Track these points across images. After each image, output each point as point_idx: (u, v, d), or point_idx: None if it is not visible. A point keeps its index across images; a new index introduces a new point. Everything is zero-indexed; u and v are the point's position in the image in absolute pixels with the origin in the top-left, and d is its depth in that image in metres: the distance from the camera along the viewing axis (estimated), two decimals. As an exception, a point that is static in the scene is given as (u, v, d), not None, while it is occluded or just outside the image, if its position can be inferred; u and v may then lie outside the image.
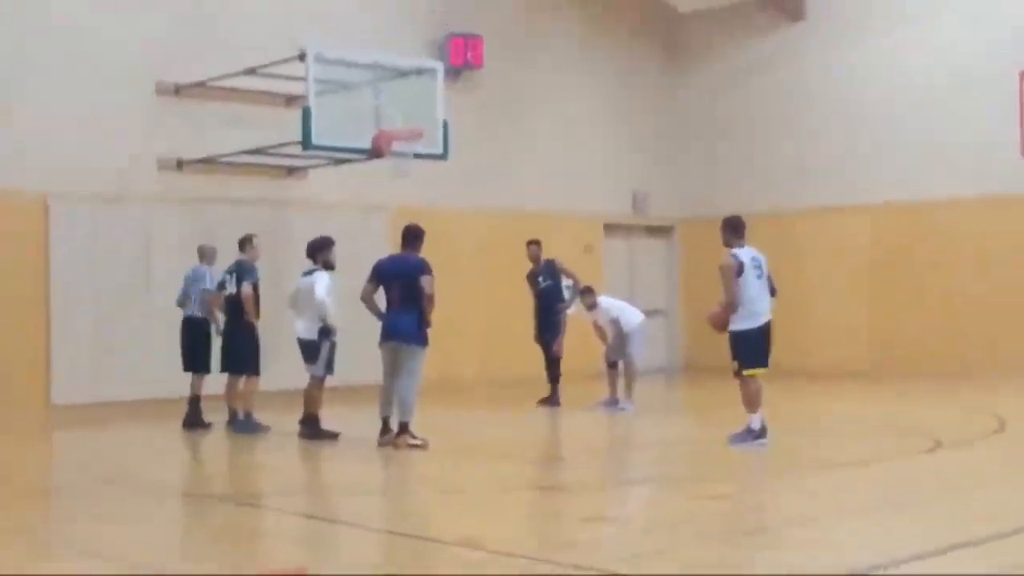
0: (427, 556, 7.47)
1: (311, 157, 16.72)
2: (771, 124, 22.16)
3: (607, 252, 22.18)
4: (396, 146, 15.03)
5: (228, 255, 14.01)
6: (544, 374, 16.21)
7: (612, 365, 15.50)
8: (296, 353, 12.91)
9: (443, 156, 15.75)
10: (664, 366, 22.63)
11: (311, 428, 12.70)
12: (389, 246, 15.17)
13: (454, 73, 19.31)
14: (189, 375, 14.07)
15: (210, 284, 13.92)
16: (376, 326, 12.16)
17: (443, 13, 19.99)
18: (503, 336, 19.41)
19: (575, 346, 16.56)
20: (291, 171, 18.16)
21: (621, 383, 15.39)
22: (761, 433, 11.42)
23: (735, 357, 11.48)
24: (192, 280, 14.12)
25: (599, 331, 15.72)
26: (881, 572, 6.51)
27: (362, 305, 12.19)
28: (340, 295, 12.79)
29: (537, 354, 16.32)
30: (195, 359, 14.06)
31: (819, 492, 9.48)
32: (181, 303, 14.21)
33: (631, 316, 15.49)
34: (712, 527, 8.10)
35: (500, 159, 20.77)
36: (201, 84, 17.01)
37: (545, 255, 16.37)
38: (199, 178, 17.40)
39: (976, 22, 19.81)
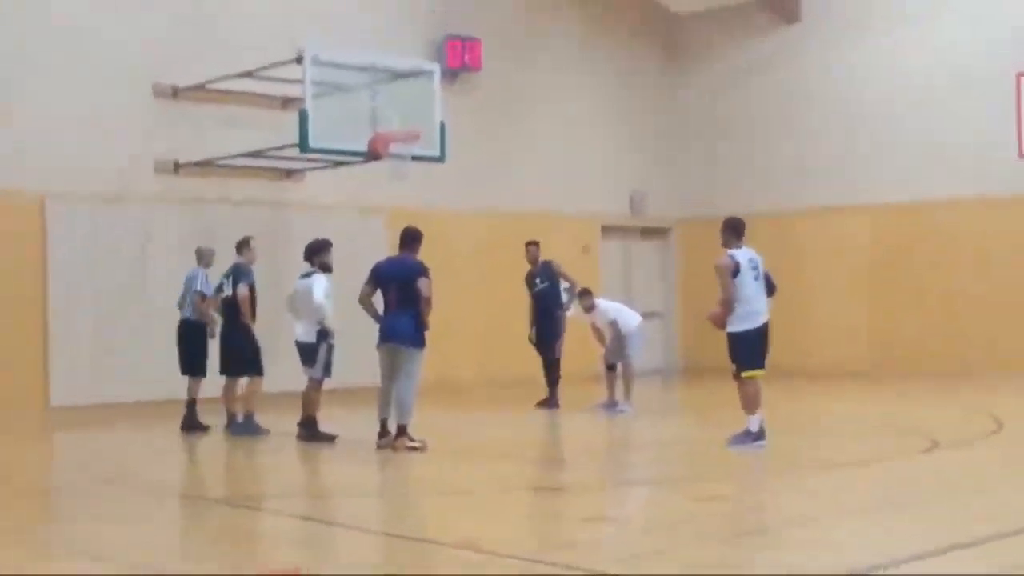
0: (425, 557, 7.45)
1: (309, 159, 16.71)
2: (771, 124, 22.15)
3: (605, 254, 22.16)
4: (393, 148, 15.02)
5: (226, 257, 13.99)
6: (542, 376, 16.18)
7: (610, 367, 15.48)
8: (294, 355, 12.89)
9: (440, 158, 15.74)
10: (662, 367, 22.62)
11: (309, 430, 12.68)
12: (387, 248, 15.16)
13: (451, 75, 19.31)
14: (187, 378, 14.04)
15: (202, 286, 13.88)
16: (374, 328, 12.14)
17: (442, 14, 19.99)
18: (501, 337, 19.40)
19: (573, 348, 16.54)
20: (289, 173, 18.15)
21: (619, 385, 15.37)
22: (760, 435, 11.40)
23: (733, 359, 11.48)
24: (187, 282, 14.11)
25: (597, 333, 15.71)
26: (881, 572, 6.50)
27: (359, 307, 12.17)
28: (338, 297, 12.77)
29: (535, 355, 16.28)
30: (190, 362, 14.03)
31: (819, 492, 9.47)
32: (180, 305, 14.20)
33: (629, 318, 15.48)
34: (712, 527, 8.08)
35: (498, 160, 20.75)
36: (199, 86, 17.00)
37: (543, 256, 16.35)
38: (197, 179, 17.40)
39: (976, 22, 19.81)
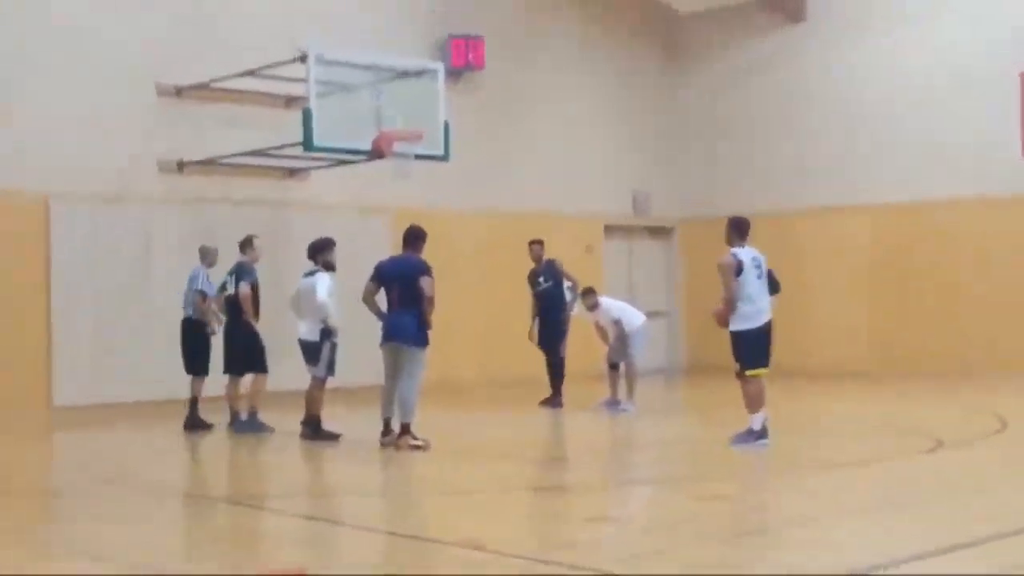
0: (428, 557, 7.48)
1: (312, 158, 16.72)
2: (771, 124, 22.17)
3: (607, 253, 22.18)
4: (397, 147, 15.04)
5: (229, 256, 14.01)
6: (544, 375, 16.20)
7: (613, 366, 15.51)
8: (298, 354, 12.92)
9: (444, 157, 15.76)
10: (665, 367, 22.64)
11: (313, 429, 12.71)
12: (390, 247, 15.20)
13: (455, 74, 19.32)
14: (189, 376, 14.07)
15: (202, 285, 13.92)
16: (377, 327, 12.18)
17: (443, 14, 20.01)
18: (503, 337, 19.41)
19: (577, 347, 16.55)
20: (292, 172, 18.17)
21: (622, 384, 15.39)
22: (762, 433, 11.43)
23: (736, 358, 11.52)
24: (190, 281, 14.14)
25: (600, 332, 15.72)
26: (881, 572, 6.52)
27: (362, 306, 12.21)
28: (341, 296, 12.80)
29: (537, 354, 16.30)
30: (191, 361, 14.06)
31: (819, 492, 9.49)
32: (184, 304, 14.24)
33: (632, 317, 15.50)
34: (713, 527, 8.10)
35: (500, 160, 20.77)
36: (202, 85, 17.01)
37: (547, 256, 16.38)
38: (200, 179, 17.41)
39: (976, 22, 19.82)
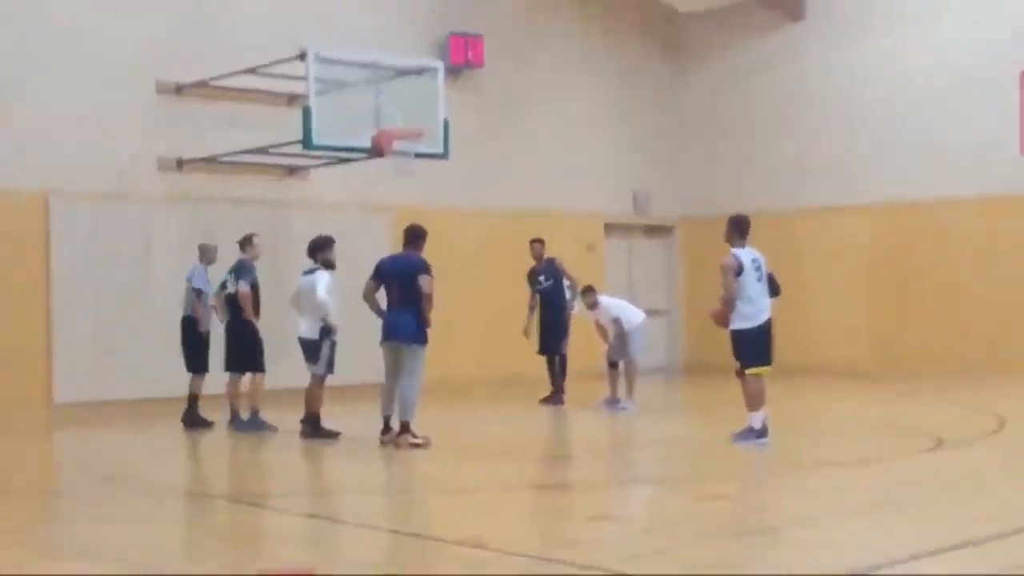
0: (428, 555, 7.48)
1: (312, 157, 16.73)
2: (771, 124, 22.17)
3: (608, 252, 22.19)
4: (397, 145, 15.04)
5: (229, 255, 14.01)
6: (545, 373, 16.21)
7: (613, 365, 15.52)
8: (298, 352, 12.93)
9: (444, 155, 15.76)
10: (665, 365, 22.66)
11: (312, 427, 12.71)
12: (390, 246, 15.22)
13: (455, 72, 19.32)
14: (190, 374, 14.08)
15: (199, 283, 13.93)
16: (377, 325, 12.18)
17: (443, 12, 20.01)
18: (503, 335, 19.36)
19: (577, 346, 16.54)
20: (292, 171, 18.17)
21: (622, 382, 15.40)
22: (762, 432, 11.45)
23: (737, 357, 11.55)
24: (188, 279, 14.15)
25: (600, 330, 15.73)
26: (881, 572, 6.53)
27: (362, 304, 12.22)
28: (341, 294, 12.80)
29: (536, 352, 16.31)
30: (190, 358, 14.07)
31: (819, 492, 9.50)
32: (184, 303, 14.25)
33: (632, 315, 15.51)
34: (713, 527, 8.11)
35: (501, 159, 20.78)
36: (202, 84, 17.01)
37: (547, 254, 16.39)
38: (200, 177, 17.41)
39: (976, 22, 19.82)
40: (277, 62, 15.82)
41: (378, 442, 12.00)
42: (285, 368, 14.28)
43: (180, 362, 14.15)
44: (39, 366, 15.99)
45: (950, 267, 19.90)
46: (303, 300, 12.83)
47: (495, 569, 6.86)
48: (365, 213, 18.57)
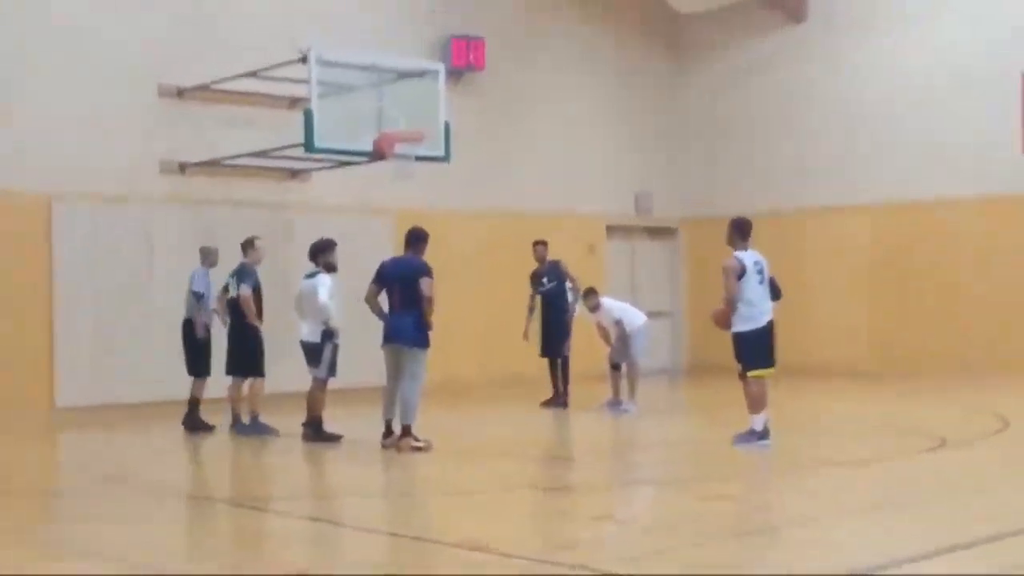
0: (428, 557, 7.50)
1: (314, 159, 16.74)
2: (771, 124, 22.19)
3: (609, 253, 22.19)
4: (398, 148, 15.04)
5: (231, 257, 14.03)
6: (546, 376, 16.22)
7: (615, 366, 15.53)
8: (299, 355, 12.94)
9: (445, 158, 15.75)
10: (668, 367, 22.67)
11: (314, 431, 12.73)
12: (391, 248, 15.22)
13: (456, 75, 19.33)
14: (191, 378, 14.10)
15: (199, 286, 13.94)
16: (378, 328, 12.20)
17: (443, 14, 20.01)
18: (504, 337, 19.37)
19: (579, 348, 16.54)
20: (294, 173, 18.18)
21: (624, 384, 15.41)
22: (764, 434, 11.48)
23: (739, 359, 11.57)
24: (189, 282, 14.17)
25: (602, 332, 15.74)
26: (881, 572, 6.55)
27: (364, 307, 12.23)
28: (342, 297, 12.82)
29: (536, 354, 16.32)
30: (191, 362, 14.08)
31: (819, 492, 9.52)
32: (185, 305, 14.26)
33: (634, 317, 15.52)
34: (714, 527, 8.13)
35: (502, 160, 20.79)
36: (203, 87, 17.02)
37: (550, 256, 16.39)
38: (201, 180, 17.42)
39: (976, 22, 19.83)
40: (279, 65, 15.81)
41: (379, 445, 12.02)
42: (287, 371, 14.29)
43: (181, 365, 14.17)
44: (40, 368, 16.00)
45: (950, 267, 19.92)
46: (304, 304, 12.84)
47: (495, 571, 6.89)
48: (366, 216, 18.58)
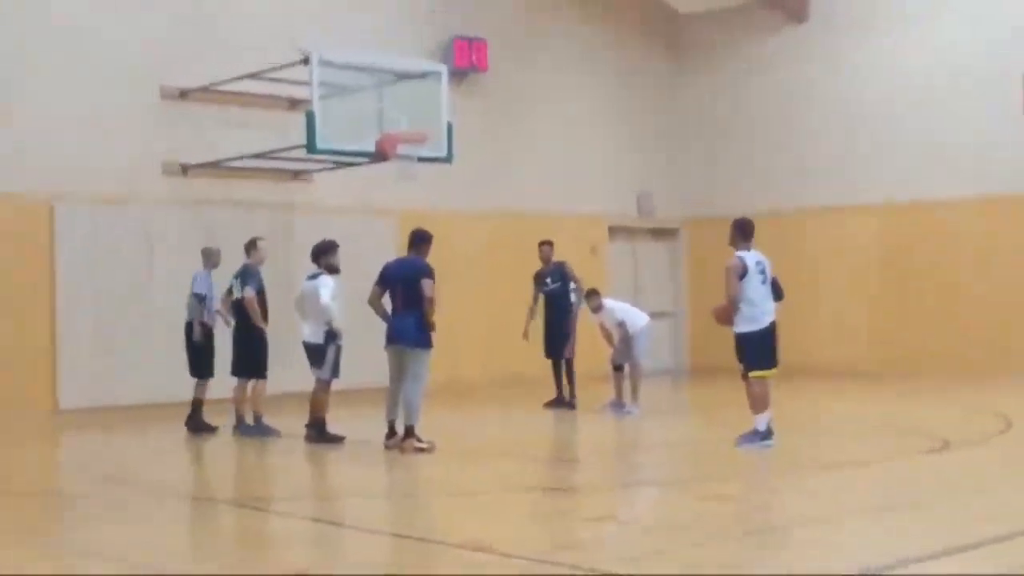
0: (430, 558, 7.53)
1: (316, 161, 16.75)
2: (771, 124, 22.21)
3: (612, 255, 22.20)
4: (401, 149, 15.05)
5: (232, 258, 14.04)
6: (550, 376, 16.23)
7: (618, 368, 15.53)
8: (302, 357, 12.96)
9: (447, 159, 15.75)
10: (670, 368, 22.67)
11: (317, 432, 12.75)
12: (394, 249, 15.23)
13: (458, 76, 19.33)
14: (194, 379, 14.12)
15: (200, 288, 13.95)
16: (381, 329, 12.22)
17: (443, 14, 20.02)
18: (507, 337, 19.38)
19: (581, 349, 16.54)
20: (296, 174, 18.19)
21: (627, 386, 15.42)
22: (767, 434, 11.50)
23: (740, 359, 11.60)
24: (191, 284, 14.19)
25: (605, 333, 15.74)
26: (882, 572, 6.57)
27: (366, 308, 12.26)
28: (345, 298, 12.84)
29: (539, 353, 16.34)
30: (192, 364, 14.09)
31: (820, 492, 9.55)
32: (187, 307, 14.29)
33: (636, 318, 15.53)
34: (715, 528, 8.15)
35: (504, 161, 20.80)
36: (204, 88, 17.03)
37: (556, 258, 16.40)
38: (203, 181, 17.42)
39: (976, 22, 19.84)
40: (281, 66, 15.81)
41: (382, 446, 12.04)
42: (290, 372, 14.28)
43: (183, 367, 14.16)
44: (42, 369, 16.00)
45: (950, 267, 19.93)
46: (307, 305, 12.86)
47: (497, 571, 6.91)
48: (369, 217, 18.59)
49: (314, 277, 12.84)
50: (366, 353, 13.88)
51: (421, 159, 15.37)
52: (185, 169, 17.20)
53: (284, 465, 12.07)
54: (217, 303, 13.99)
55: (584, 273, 16.77)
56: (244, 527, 8.83)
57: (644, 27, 23.10)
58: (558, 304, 16.09)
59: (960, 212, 19.77)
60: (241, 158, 17.00)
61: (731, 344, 11.68)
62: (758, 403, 11.52)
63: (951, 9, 20.21)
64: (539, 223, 19.59)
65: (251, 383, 13.67)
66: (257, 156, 16.95)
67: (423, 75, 15.81)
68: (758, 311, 11.46)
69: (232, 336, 13.82)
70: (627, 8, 22.83)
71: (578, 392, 16.03)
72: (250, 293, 13.49)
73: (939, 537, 7.50)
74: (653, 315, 16.58)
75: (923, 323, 20.14)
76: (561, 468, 11.95)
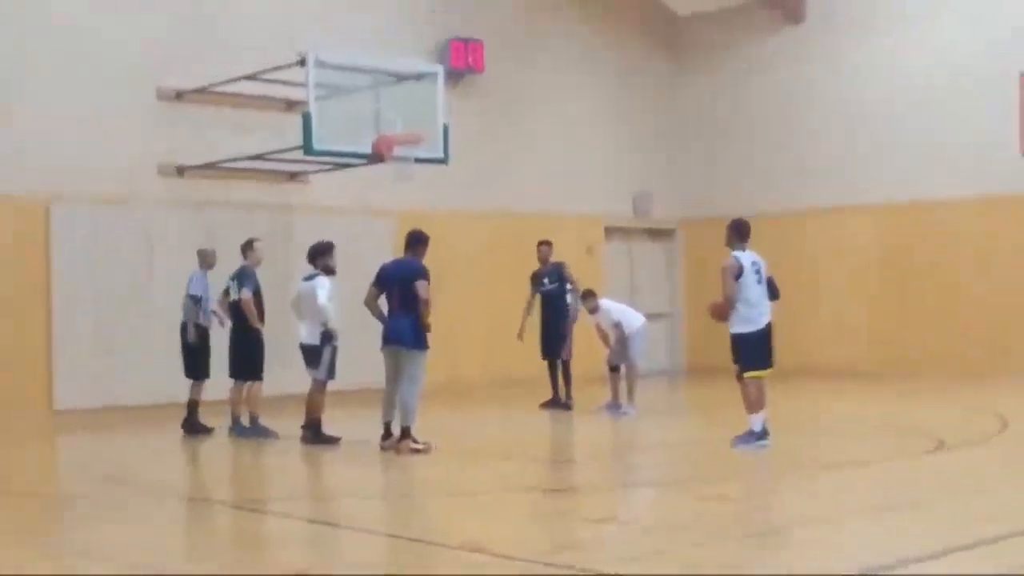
0: (427, 558, 7.50)
1: (312, 162, 16.73)
2: (771, 124, 22.19)
3: (608, 255, 22.18)
4: (397, 150, 15.03)
5: (230, 259, 14.01)
6: (546, 377, 16.20)
7: (614, 369, 15.51)
8: (299, 358, 12.93)
9: (443, 160, 15.73)
10: (667, 368, 22.66)
11: (313, 433, 12.71)
12: (392, 250, 15.21)
13: (455, 77, 19.32)
14: (190, 380, 14.09)
15: (196, 289, 13.92)
16: (377, 330, 12.20)
17: (443, 15, 20.01)
18: (505, 337, 19.35)
19: (578, 350, 16.51)
20: (293, 176, 18.18)
21: (623, 386, 15.40)
22: (763, 434, 11.48)
23: (736, 360, 11.57)
24: (187, 286, 14.16)
25: (601, 334, 15.72)
26: (882, 572, 6.55)
27: (363, 309, 12.23)
28: (342, 299, 12.81)
29: (537, 354, 16.31)
30: (188, 365, 14.06)
31: (819, 493, 9.52)
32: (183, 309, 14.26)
33: (632, 319, 15.51)
34: (714, 528, 8.12)
35: (501, 162, 20.79)
36: (202, 89, 17.01)
37: (554, 258, 16.36)
38: (201, 182, 17.42)
39: (976, 22, 19.83)
40: (278, 68, 15.79)
41: (378, 447, 12.01)
42: (286, 374, 14.27)
43: (180, 367, 14.14)
44: (39, 369, 15.99)
45: (950, 267, 19.92)
46: (303, 305, 12.83)
47: (495, 572, 6.88)
48: (366, 218, 18.57)
49: (311, 278, 12.80)
50: (362, 354, 13.85)
51: (417, 160, 15.36)
52: (182, 170, 17.18)
53: (280, 466, 12.05)
54: (213, 304, 13.96)
55: (581, 274, 16.75)
56: (242, 528, 8.81)
57: (644, 27, 23.09)
58: (555, 304, 16.06)
59: (960, 212, 19.76)
60: (239, 159, 16.99)
61: (727, 344, 11.65)
62: (753, 403, 11.50)
63: (951, 9, 20.20)
64: (538, 223, 19.57)
65: (247, 385, 13.63)
66: (255, 157, 16.94)
67: (419, 76, 15.79)
68: (755, 312, 11.44)
69: (229, 337, 13.78)
70: (626, 8, 22.82)
71: (574, 394, 15.99)
72: (247, 294, 13.46)
73: (939, 537, 7.47)
74: (649, 316, 16.55)
75: (923, 323, 20.12)
76: (559, 469, 11.93)
